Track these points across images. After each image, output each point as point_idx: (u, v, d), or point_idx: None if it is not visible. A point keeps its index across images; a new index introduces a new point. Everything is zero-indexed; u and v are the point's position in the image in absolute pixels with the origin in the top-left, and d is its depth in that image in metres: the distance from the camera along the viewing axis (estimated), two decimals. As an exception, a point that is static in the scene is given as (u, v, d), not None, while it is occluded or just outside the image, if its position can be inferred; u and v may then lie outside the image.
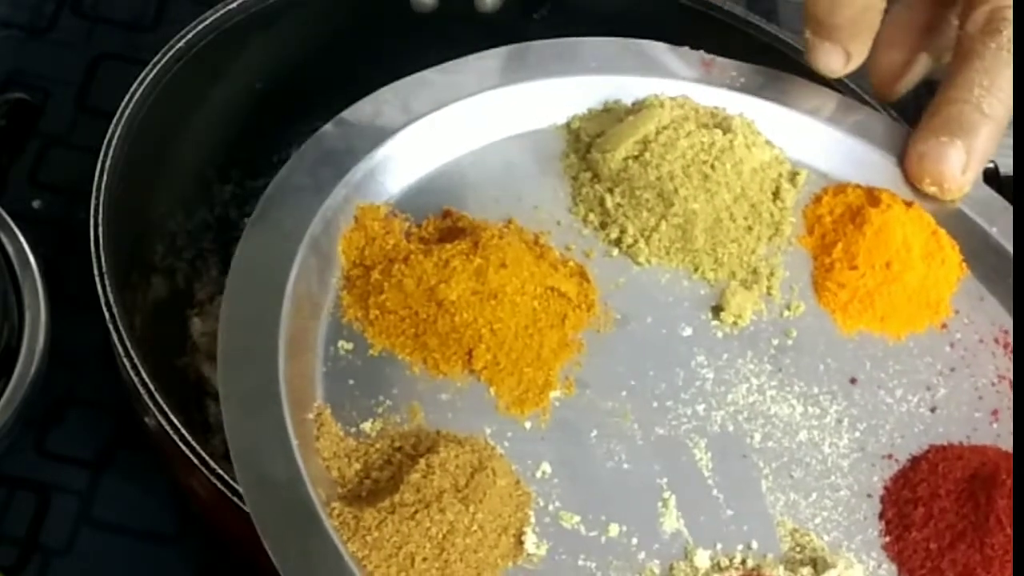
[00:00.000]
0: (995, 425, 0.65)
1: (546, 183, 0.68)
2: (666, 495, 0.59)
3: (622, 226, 0.66)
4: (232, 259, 0.61)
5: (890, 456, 0.63)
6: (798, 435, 0.62)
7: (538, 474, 0.59)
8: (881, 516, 0.61)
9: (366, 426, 0.58)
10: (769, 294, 0.66)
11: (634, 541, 0.58)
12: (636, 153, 0.66)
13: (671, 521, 0.59)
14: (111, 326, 0.64)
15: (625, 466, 0.60)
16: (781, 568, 0.58)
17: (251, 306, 0.59)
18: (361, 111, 0.67)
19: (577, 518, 0.58)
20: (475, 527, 0.55)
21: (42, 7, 0.91)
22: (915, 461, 0.63)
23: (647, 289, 0.65)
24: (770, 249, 0.67)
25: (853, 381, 0.65)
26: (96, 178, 0.68)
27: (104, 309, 0.64)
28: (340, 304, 0.61)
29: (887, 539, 0.60)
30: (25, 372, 0.70)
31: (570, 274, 0.64)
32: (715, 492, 0.60)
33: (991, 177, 0.84)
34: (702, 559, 0.58)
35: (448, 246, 0.62)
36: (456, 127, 0.67)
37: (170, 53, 0.73)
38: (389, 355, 0.60)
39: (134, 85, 0.71)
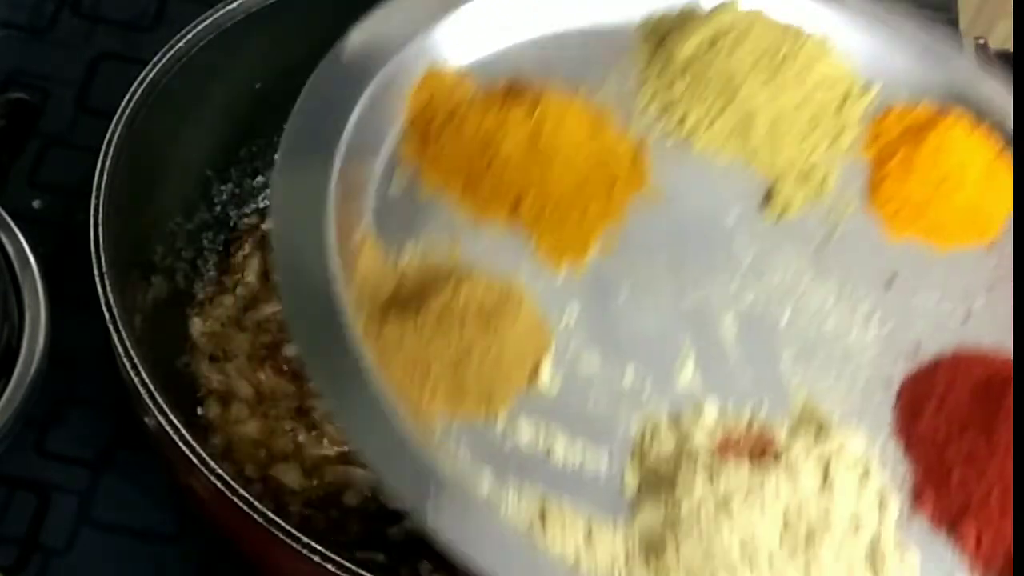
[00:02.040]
0: None
1: (615, 69, 0.69)
2: (686, 352, 0.61)
3: (684, 112, 0.67)
4: (303, 88, 0.63)
5: (915, 353, 0.63)
6: (827, 322, 0.63)
7: (564, 318, 0.60)
8: (895, 404, 0.62)
9: (406, 255, 0.60)
10: (820, 193, 0.67)
11: (647, 388, 0.60)
12: (707, 45, 0.67)
13: (686, 376, 0.60)
14: (111, 326, 0.64)
15: (651, 323, 0.61)
16: (784, 431, 0.59)
17: (312, 131, 0.62)
18: None
19: (595, 361, 0.60)
20: (492, 352, 0.57)
21: (42, 7, 0.91)
22: (939, 359, 0.63)
23: (700, 173, 0.67)
24: (828, 154, 0.68)
25: (890, 282, 0.65)
26: (96, 178, 0.68)
27: (104, 309, 0.64)
28: (400, 145, 0.63)
29: (897, 424, 0.61)
30: (25, 372, 0.70)
31: (625, 149, 0.65)
32: (735, 359, 0.61)
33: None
34: (710, 413, 0.59)
35: (509, 105, 0.63)
36: (535, 9, 0.69)
37: (170, 53, 0.73)
38: (439, 198, 0.63)
39: (134, 85, 0.71)
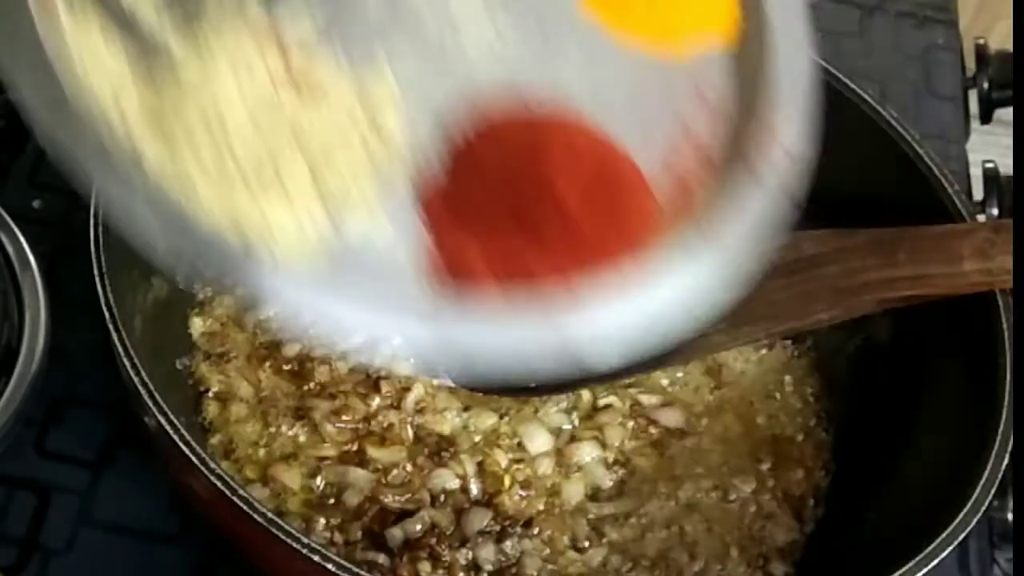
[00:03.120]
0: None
1: None
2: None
3: None
4: None
5: (512, 88, 0.60)
6: (456, 30, 0.60)
7: None
8: (463, 107, 0.59)
9: None
10: None
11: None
12: None
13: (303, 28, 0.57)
14: (111, 326, 0.64)
15: None
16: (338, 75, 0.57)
17: None
18: None
19: None
20: None
21: (42, 7, 0.91)
22: (533, 103, 0.60)
23: None
24: None
25: (539, 36, 0.61)
26: (96, 178, 0.68)
27: (104, 309, 0.64)
28: None
29: (451, 117, 0.59)
30: (25, 372, 0.70)
31: None
32: (352, 20, 0.58)
33: (991, 177, 0.84)
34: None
35: None
36: None
37: (170, 53, 0.73)
38: None
39: (134, 85, 0.71)
